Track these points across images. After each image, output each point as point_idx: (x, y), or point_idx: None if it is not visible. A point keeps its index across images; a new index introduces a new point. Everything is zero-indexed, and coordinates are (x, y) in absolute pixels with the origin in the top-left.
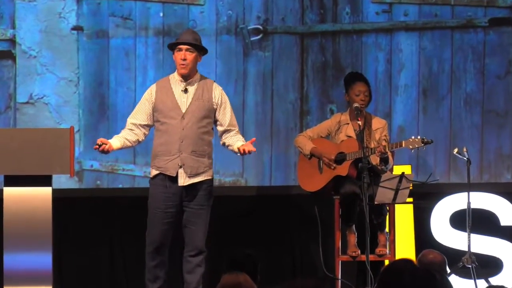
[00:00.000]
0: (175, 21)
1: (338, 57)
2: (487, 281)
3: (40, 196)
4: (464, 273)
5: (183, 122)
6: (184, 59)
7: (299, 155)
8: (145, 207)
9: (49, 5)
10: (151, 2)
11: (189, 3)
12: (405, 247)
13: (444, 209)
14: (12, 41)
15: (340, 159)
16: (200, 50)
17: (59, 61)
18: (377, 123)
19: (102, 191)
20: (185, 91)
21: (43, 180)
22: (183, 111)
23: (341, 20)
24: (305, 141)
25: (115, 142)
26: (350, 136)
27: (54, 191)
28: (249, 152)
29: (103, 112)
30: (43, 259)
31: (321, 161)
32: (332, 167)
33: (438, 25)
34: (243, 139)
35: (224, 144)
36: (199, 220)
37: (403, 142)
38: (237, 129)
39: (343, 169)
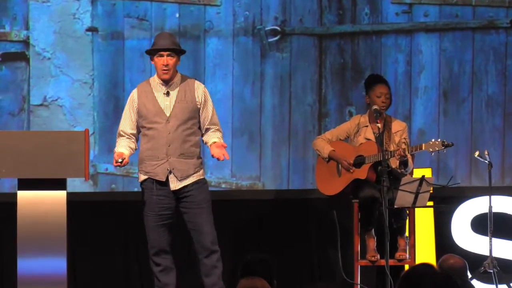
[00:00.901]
0: (191, 22)
1: (357, 59)
2: (509, 286)
3: (54, 200)
4: (486, 278)
5: (168, 126)
6: (167, 65)
7: (317, 158)
8: None
9: (63, 6)
10: (167, 2)
11: (206, 4)
12: (425, 251)
13: (465, 213)
14: (26, 43)
15: (359, 162)
16: (179, 52)
17: (73, 62)
18: (397, 125)
19: (117, 195)
20: (167, 94)
21: (58, 184)
22: (168, 114)
23: (360, 21)
24: (323, 144)
25: (126, 152)
26: (369, 139)
27: (68, 194)
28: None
29: (118, 114)
30: (58, 264)
31: (339, 165)
32: (351, 171)
33: (459, 26)
34: (219, 136)
35: (203, 141)
36: (201, 220)
37: (423, 145)
38: (217, 127)
39: (362, 173)
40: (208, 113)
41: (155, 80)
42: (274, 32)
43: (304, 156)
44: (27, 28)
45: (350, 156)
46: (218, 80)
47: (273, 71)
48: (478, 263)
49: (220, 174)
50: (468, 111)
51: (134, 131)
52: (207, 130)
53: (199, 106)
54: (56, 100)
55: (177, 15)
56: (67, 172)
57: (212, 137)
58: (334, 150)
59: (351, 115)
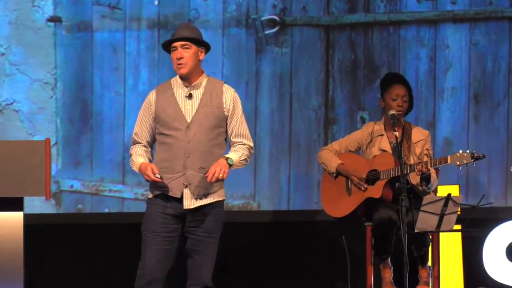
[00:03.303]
0: (173, 11)
1: (371, 55)
2: None
3: (9, 222)
4: None
5: (189, 133)
6: (180, 58)
7: (323, 173)
8: (136, 236)
9: None
10: None
11: None
12: (452, 284)
13: (499, 239)
14: None
15: (372, 178)
16: (200, 45)
17: (32, 59)
18: (418, 134)
19: (85, 217)
20: (189, 96)
21: (13, 204)
22: (188, 120)
23: (374, 9)
24: (331, 157)
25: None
26: (384, 150)
27: (26, 216)
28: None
29: (85, 121)
30: None
31: (349, 181)
32: (363, 188)
33: (493, 16)
34: (239, 151)
35: None
36: (206, 250)
37: (449, 157)
38: (243, 141)
39: (377, 191)
40: (235, 122)
41: (177, 81)
42: (272, 23)
43: (308, 171)
44: None
45: (362, 171)
46: None
47: (270, 69)
48: None
49: None
50: (504, 117)
51: (149, 139)
52: (233, 144)
53: (226, 113)
54: (12, 103)
55: (156, 2)
56: (24, 190)
57: (231, 152)
58: (342, 164)
59: (363, 121)
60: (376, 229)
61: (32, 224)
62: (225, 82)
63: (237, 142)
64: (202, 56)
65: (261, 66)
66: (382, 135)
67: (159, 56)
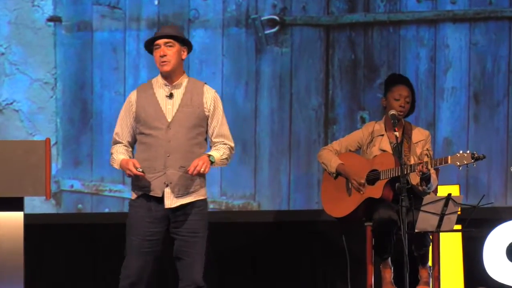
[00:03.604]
0: (173, 11)
1: (371, 54)
2: None
3: (9, 222)
4: None
5: (169, 133)
6: (164, 55)
7: (323, 173)
8: None
9: None
10: None
11: None
12: (452, 284)
13: (499, 239)
14: None
15: (372, 178)
16: (183, 44)
17: (32, 59)
18: (419, 134)
19: (85, 217)
20: (170, 96)
21: (13, 204)
22: (169, 120)
23: (374, 9)
24: (331, 156)
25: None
26: (385, 150)
27: (26, 216)
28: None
29: (85, 121)
30: None
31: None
32: (361, 192)
33: (492, 15)
34: (219, 149)
35: None
36: (194, 250)
37: (449, 157)
38: (225, 141)
39: (377, 191)
40: (216, 122)
41: (158, 80)
42: (272, 23)
43: (308, 171)
44: None
45: (363, 171)
46: (205, 79)
47: (270, 69)
48: None
49: (208, 192)
50: (504, 117)
51: (130, 139)
52: (214, 144)
53: (207, 113)
54: (12, 103)
55: (156, 2)
56: (24, 190)
57: (212, 150)
58: (343, 164)
59: (363, 121)
60: (376, 229)
61: (32, 224)
62: (205, 83)
63: (218, 142)
64: (184, 55)
65: (261, 66)
66: (382, 135)
67: None
